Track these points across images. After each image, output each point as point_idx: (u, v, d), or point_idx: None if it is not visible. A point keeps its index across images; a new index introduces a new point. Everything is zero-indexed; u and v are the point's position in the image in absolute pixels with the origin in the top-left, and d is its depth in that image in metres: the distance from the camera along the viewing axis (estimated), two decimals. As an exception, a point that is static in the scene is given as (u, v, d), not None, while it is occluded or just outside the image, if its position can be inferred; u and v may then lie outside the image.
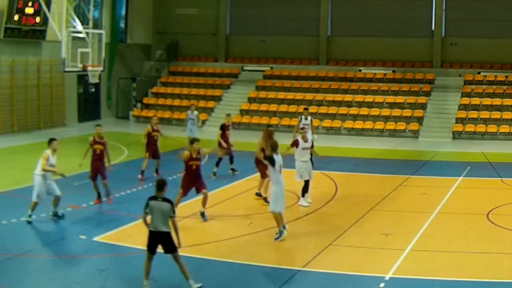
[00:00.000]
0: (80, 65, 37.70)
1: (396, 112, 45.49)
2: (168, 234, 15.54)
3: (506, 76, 46.45)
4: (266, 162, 20.25)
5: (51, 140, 21.67)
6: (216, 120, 46.27)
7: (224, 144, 29.60)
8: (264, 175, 23.88)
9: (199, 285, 15.61)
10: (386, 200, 25.11)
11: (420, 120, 44.72)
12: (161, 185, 15.74)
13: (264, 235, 20.45)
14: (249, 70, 52.66)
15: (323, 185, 27.70)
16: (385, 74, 49.38)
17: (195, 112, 35.90)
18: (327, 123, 45.55)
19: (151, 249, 15.64)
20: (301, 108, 46.35)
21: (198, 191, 22.08)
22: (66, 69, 37.81)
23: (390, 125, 44.43)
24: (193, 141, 22.34)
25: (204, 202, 22.06)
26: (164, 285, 15.94)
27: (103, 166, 24.16)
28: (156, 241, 15.58)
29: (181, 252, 16.08)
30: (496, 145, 40.22)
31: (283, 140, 25.95)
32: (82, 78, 45.05)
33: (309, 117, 31.64)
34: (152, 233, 15.57)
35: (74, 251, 18.58)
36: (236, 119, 46.61)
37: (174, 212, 15.57)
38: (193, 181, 21.87)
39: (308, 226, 21.71)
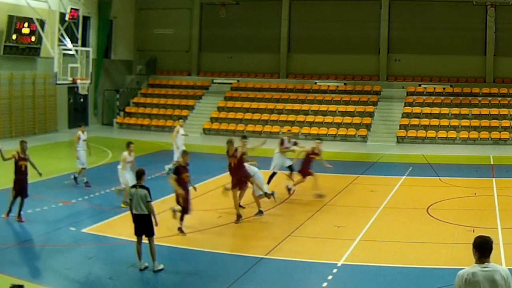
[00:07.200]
0: (70, 79, 37.64)
1: (347, 119, 45.64)
2: (149, 216, 15.77)
3: (444, 88, 46.80)
4: None
5: (129, 143, 23.30)
6: (190, 127, 46.21)
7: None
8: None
9: (162, 266, 15.86)
10: (338, 197, 25.21)
11: (368, 126, 44.88)
12: (140, 174, 16.22)
13: (231, 227, 20.49)
14: (218, 83, 52.47)
15: (283, 183, 27.77)
16: (337, 86, 49.45)
17: (86, 133, 27.57)
18: (286, 129, 45.49)
19: (138, 232, 15.84)
20: (264, 116, 46.64)
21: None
22: (58, 82, 37.77)
23: (342, 131, 44.54)
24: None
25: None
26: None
27: (27, 183, 21.40)
28: (140, 223, 15.76)
29: (159, 242, 16.12)
30: (435, 148, 40.40)
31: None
32: (72, 89, 44.73)
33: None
34: (135, 216, 15.80)
35: (65, 241, 18.45)
36: (207, 126, 47.06)
37: (150, 197, 15.82)
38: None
39: (270, 219, 21.72)
